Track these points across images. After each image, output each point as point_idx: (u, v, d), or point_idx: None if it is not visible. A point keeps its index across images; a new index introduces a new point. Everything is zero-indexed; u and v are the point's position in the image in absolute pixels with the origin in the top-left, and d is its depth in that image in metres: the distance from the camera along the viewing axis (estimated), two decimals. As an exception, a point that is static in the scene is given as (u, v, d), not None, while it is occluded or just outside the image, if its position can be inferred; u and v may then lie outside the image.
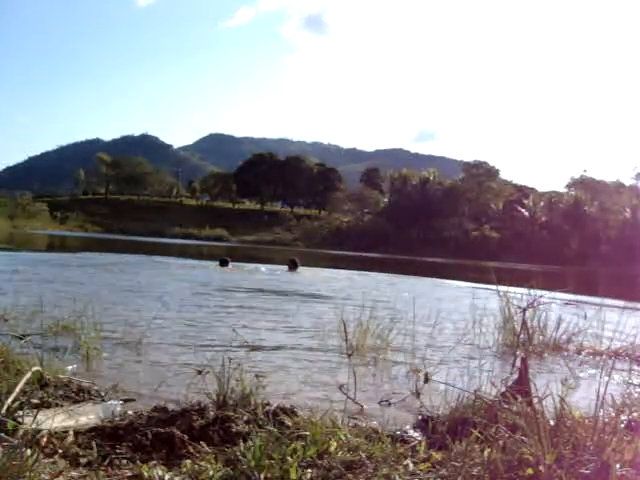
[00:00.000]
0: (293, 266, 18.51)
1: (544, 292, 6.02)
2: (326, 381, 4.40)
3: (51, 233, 60.18)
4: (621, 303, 15.34)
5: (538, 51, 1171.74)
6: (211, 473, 2.29)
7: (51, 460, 2.40)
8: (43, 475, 2.20)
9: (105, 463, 2.45)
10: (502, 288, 6.64)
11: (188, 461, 2.44)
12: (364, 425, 3.08)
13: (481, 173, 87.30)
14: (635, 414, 3.00)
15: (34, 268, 13.44)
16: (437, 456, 2.52)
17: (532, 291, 6.15)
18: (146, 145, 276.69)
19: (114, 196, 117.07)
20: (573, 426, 2.47)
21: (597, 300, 16.77)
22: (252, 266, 20.01)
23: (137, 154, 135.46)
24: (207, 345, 5.50)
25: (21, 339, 4.78)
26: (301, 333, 6.73)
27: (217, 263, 18.34)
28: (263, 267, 19.71)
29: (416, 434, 3.07)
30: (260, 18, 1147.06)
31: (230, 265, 18.16)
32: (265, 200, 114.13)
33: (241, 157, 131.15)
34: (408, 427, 3.24)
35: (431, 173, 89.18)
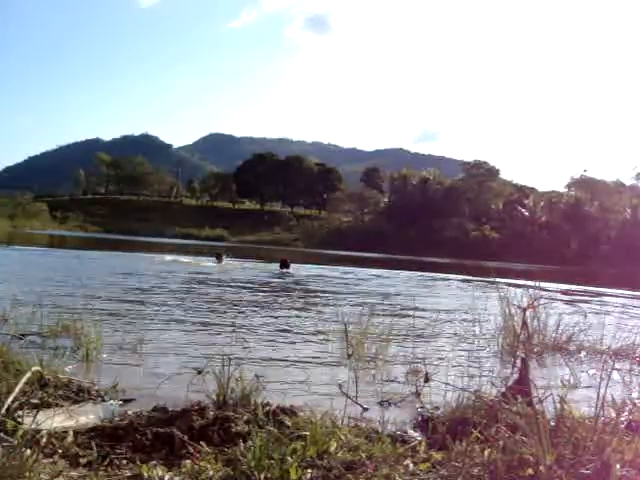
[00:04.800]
0: (284, 265, 18.46)
1: (546, 284, 6.02)
2: (326, 381, 4.40)
3: (50, 233, 60.14)
4: (620, 292, 15.39)
5: (539, 51, 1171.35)
6: (211, 473, 2.29)
7: (51, 460, 2.40)
8: (43, 475, 2.19)
9: (105, 463, 2.44)
10: (501, 281, 6.64)
11: (188, 461, 2.44)
12: (364, 425, 3.07)
13: (481, 173, 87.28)
14: (635, 414, 2.99)
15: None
16: (437, 456, 2.52)
17: (535, 283, 6.13)
18: (146, 145, 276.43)
19: (114, 196, 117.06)
20: (573, 426, 2.47)
21: (597, 290, 16.81)
22: (248, 263, 20.45)
23: (137, 154, 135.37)
24: (207, 345, 5.50)
25: (21, 339, 4.78)
26: (301, 332, 6.72)
27: (214, 258, 19.82)
28: (259, 264, 20.20)
29: (416, 434, 3.07)
30: (263, 19, 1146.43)
31: (224, 260, 19.62)
32: (265, 200, 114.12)
33: (241, 157, 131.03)
34: (408, 427, 3.23)
35: (431, 173, 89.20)
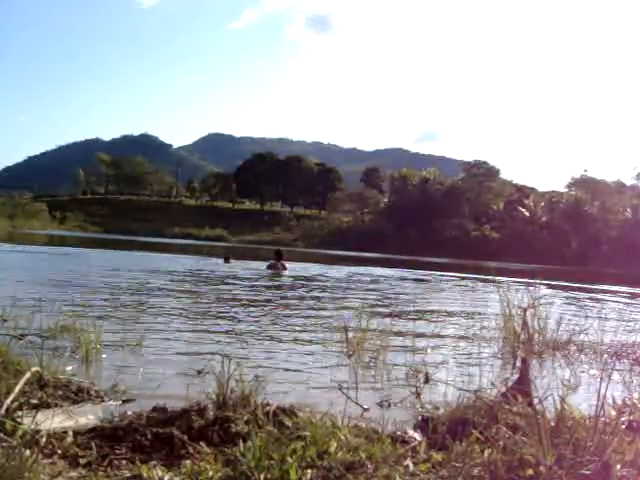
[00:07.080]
0: (278, 264, 17.98)
1: (547, 284, 6.02)
2: (326, 381, 4.39)
3: (50, 233, 60.14)
4: (620, 292, 15.36)
5: (539, 52, 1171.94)
6: (211, 474, 2.28)
7: (50, 461, 2.40)
8: (42, 476, 2.19)
9: (104, 463, 2.44)
10: (502, 279, 6.64)
11: (188, 461, 2.44)
12: (364, 425, 3.07)
13: (481, 173, 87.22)
14: (636, 414, 2.99)
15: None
16: (437, 457, 2.51)
17: (536, 282, 6.12)
18: (146, 145, 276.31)
19: (114, 196, 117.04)
20: (574, 426, 2.47)
21: (597, 289, 16.77)
22: (252, 263, 20.73)
23: (137, 154, 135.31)
24: (207, 345, 5.49)
25: (20, 339, 4.77)
26: (300, 333, 6.71)
27: (222, 259, 20.65)
28: (259, 265, 20.43)
29: (416, 434, 3.06)
30: (263, 19, 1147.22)
31: (231, 261, 20.33)
32: (265, 200, 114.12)
33: (241, 157, 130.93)
34: (408, 427, 3.23)
35: (431, 173, 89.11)
